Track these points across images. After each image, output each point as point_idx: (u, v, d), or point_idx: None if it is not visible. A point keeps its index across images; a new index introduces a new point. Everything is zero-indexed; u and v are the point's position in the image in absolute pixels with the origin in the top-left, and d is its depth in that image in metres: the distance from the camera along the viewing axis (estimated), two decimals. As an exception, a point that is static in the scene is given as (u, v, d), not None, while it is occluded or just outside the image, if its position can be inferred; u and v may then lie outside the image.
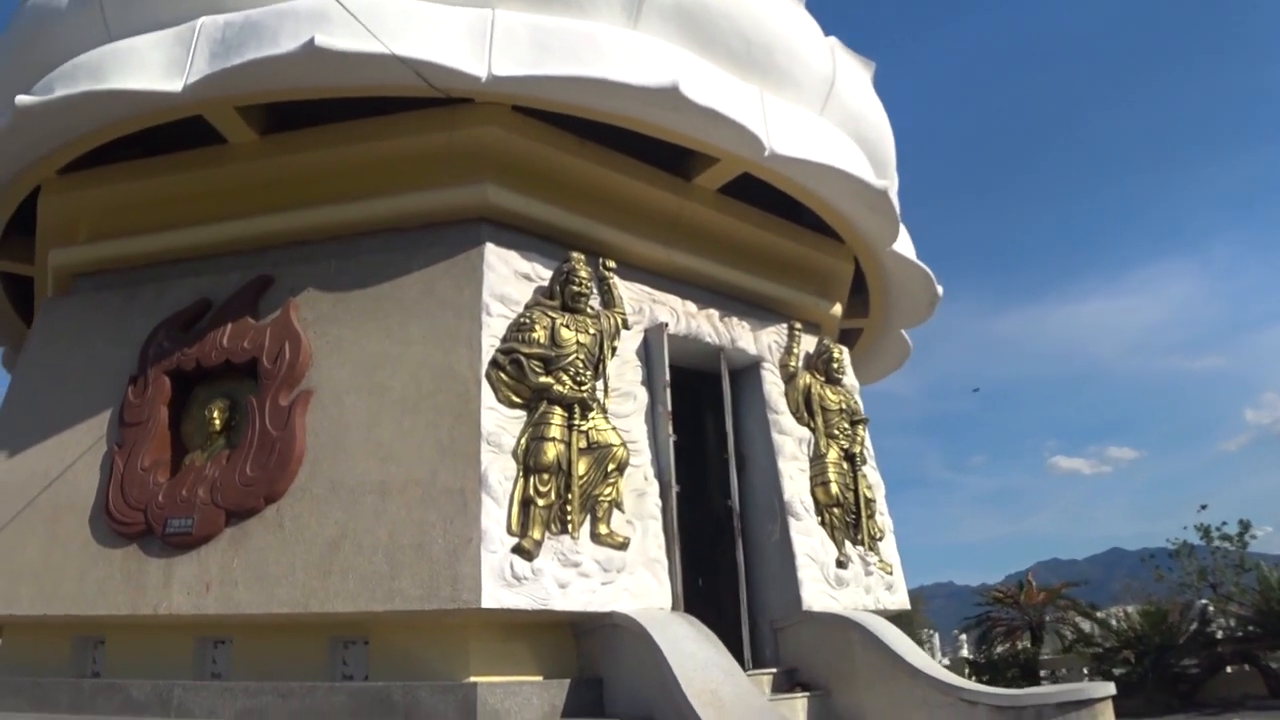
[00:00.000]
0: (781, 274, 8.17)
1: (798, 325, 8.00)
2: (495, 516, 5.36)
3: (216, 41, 5.97)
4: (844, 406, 7.87)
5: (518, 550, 5.31)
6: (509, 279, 6.20)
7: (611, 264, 6.67)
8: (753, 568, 7.18)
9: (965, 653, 17.87)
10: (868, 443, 8.19)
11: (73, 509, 5.86)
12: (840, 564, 7.16)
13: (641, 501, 6.10)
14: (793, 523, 7.04)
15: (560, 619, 5.59)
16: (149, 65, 6.00)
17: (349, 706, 5.12)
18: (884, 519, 7.94)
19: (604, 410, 6.11)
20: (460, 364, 5.80)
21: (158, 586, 5.51)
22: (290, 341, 5.96)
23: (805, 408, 7.65)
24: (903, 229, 9.41)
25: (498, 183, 6.38)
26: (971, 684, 6.01)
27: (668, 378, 6.48)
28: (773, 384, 7.59)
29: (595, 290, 6.54)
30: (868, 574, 7.36)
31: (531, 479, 5.55)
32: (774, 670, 6.59)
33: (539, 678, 5.52)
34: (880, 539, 7.75)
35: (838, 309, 8.77)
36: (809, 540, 7.06)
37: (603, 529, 5.78)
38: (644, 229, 7.14)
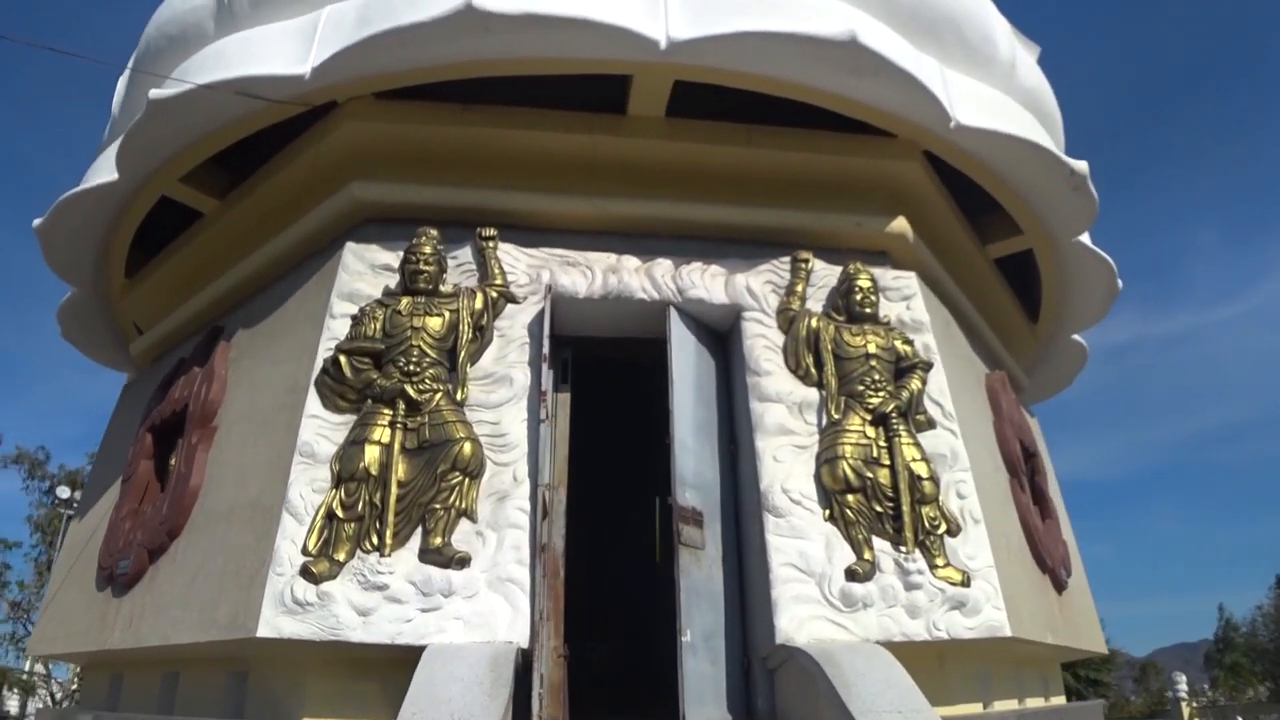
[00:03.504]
0: (786, 196, 6.26)
1: (803, 256, 5.97)
2: (292, 535, 4.75)
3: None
4: (875, 351, 5.58)
5: (304, 572, 4.60)
6: (363, 275, 5.67)
7: (488, 232, 5.71)
8: (744, 585, 5.33)
9: None
10: (939, 396, 5.66)
11: (94, 559, 6.69)
12: (854, 575, 4.91)
13: (501, 507, 4.91)
14: (769, 520, 5.08)
15: (392, 655, 4.64)
16: (101, 168, 6.90)
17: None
18: (962, 503, 5.32)
19: (455, 401, 5.12)
20: (301, 374, 5.39)
21: (110, 624, 5.94)
22: (208, 383, 6.15)
23: (814, 360, 5.58)
24: (1006, 102, 6.66)
25: (366, 178, 5.96)
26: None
27: (545, 350, 5.22)
28: (757, 337, 5.70)
29: (475, 265, 5.67)
30: (910, 588, 4.93)
31: (340, 490, 4.82)
32: (742, 729, 4.69)
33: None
34: (949, 533, 5.19)
35: (902, 225, 6.35)
36: (796, 544, 5.01)
37: (437, 542, 4.75)
38: (557, 184, 6.03)
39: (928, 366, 5.66)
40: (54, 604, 6.96)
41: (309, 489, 4.88)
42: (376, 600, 4.58)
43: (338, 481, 4.86)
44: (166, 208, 7.09)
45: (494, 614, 4.61)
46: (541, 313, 5.51)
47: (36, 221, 7.07)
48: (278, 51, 5.82)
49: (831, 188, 6.34)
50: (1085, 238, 7.54)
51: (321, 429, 5.08)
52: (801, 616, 4.78)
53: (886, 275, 6.14)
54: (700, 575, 5.08)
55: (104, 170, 6.89)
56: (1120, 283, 7.95)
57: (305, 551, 4.69)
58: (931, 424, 5.55)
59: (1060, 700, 7.92)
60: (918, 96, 5.79)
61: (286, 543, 4.71)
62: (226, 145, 6.37)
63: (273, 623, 4.50)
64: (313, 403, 5.18)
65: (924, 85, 5.71)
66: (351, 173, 5.99)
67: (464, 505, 4.86)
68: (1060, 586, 6.74)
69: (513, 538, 4.81)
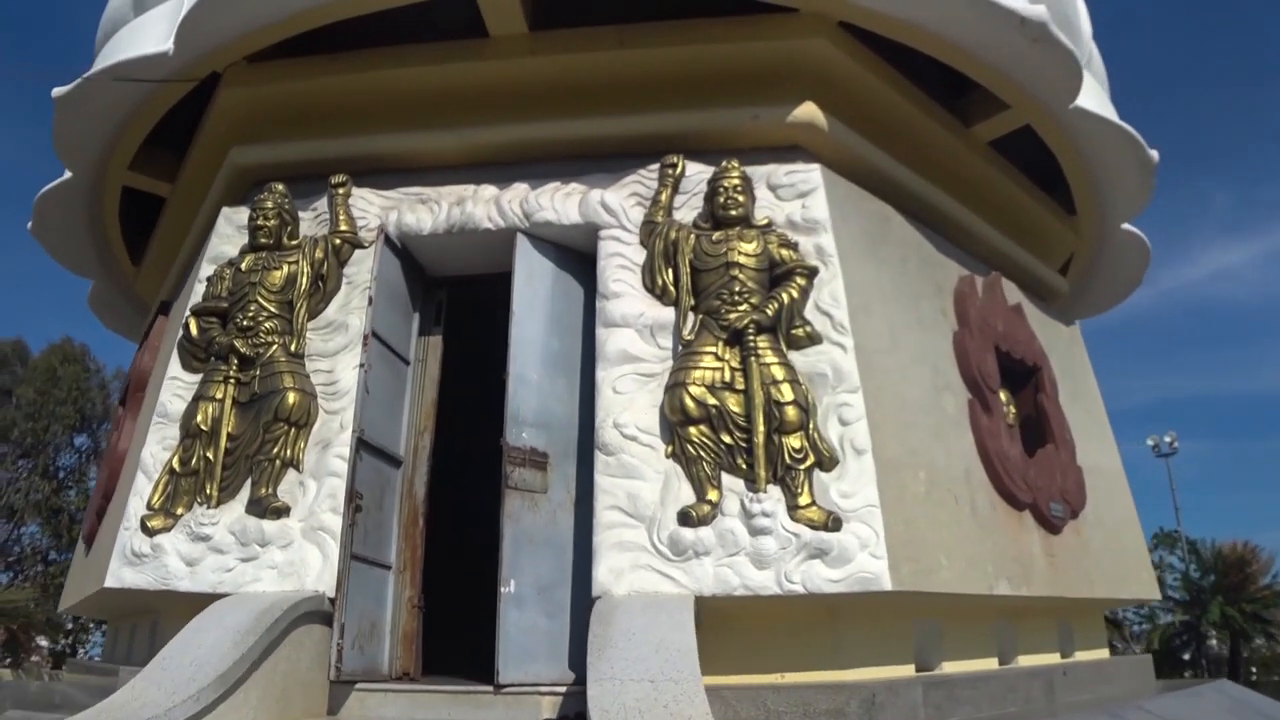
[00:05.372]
0: (667, 97, 5.53)
1: (670, 160, 5.29)
2: (140, 490, 4.95)
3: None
4: (739, 259, 4.83)
5: (143, 526, 4.77)
6: (230, 237, 5.72)
7: (337, 179, 5.55)
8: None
9: None
10: (830, 306, 4.80)
11: (95, 522, 7.39)
12: (687, 519, 4.31)
13: (324, 456, 4.80)
14: (598, 459, 4.58)
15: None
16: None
17: (82, 684, 5.30)
18: (844, 430, 4.48)
19: (290, 353, 5.04)
20: (174, 340, 5.54)
21: (83, 581, 6.52)
22: (144, 355, 6.53)
23: (673, 276, 4.95)
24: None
25: (245, 142, 5.99)
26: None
27: (371, 292, 5.00)
28: (612, 256, 5.13)
29: (324, 215, 5.54)
30: (756, 533, 4.24)
31: (180, 447, 4.93)
32: (563, 689, 4.30)
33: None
34: (821, 467, 4.40)
35: (809, 111, 5.42)
36: (625, 484, 4.49)
37: (262, 493, 4.75)
38: (419, 120, 5.73)
39: (809, 272, 4.81)
40: (73, 566, 7.80)
41: (159, 447, 5.04)
42: (201, 551, 4.65)
43: (182, 439, 4.97)
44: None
45: (305, 563, 4.53)
46: (385, 255, 5.28)
47: (30, 224, 7.80)
48: (155, 32, 5.93)
49: (722, 80, 5.51)
50: (1090, 103, 6.10)
51: (178, 390, 5.22)
52: (622, 566, 4.28)
53: (779, 171, 5.29)
54: (536, 521, 4.69)
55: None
56: (1154, 153, 6.38)
57: (149, 506, 4.85)
58: (814, 339, 4.72)
59: (1100, 654, 6.69)
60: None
61: (135, 499, 4.91)
62: (149, 129, 6.63)
63: (117, 574, 4.72)
64: (174, 365, 5.33)
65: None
66: (233, 140, 6.04)
67: (289, 455, 4.81)
68: (1050, 525, 5.61)
69: (330, 485, 4.69)
